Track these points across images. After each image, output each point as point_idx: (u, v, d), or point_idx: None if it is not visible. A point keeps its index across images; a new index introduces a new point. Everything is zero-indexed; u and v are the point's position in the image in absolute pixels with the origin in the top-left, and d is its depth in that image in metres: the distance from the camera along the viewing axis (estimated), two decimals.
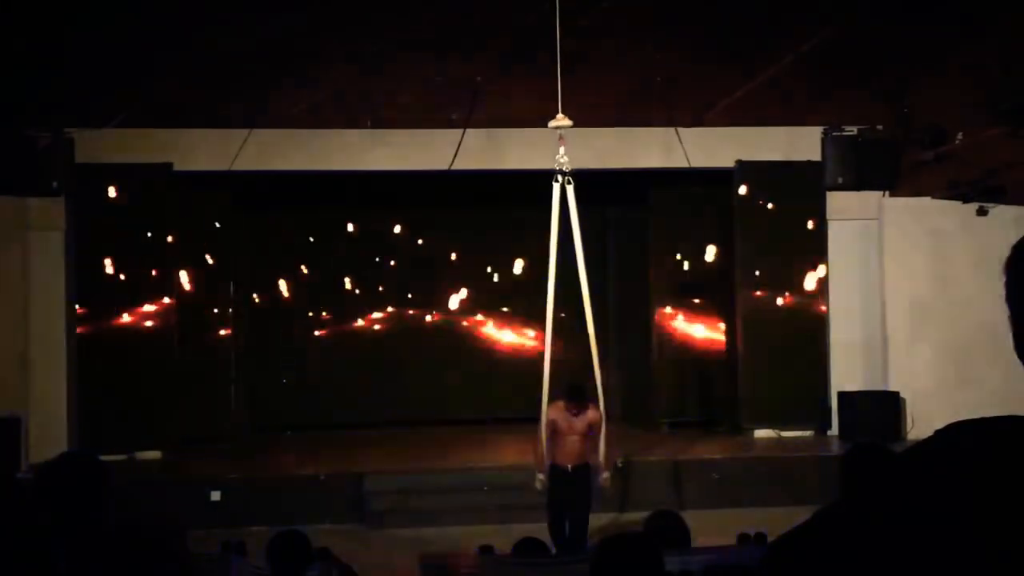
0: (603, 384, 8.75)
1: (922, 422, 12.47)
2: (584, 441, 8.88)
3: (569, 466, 8.90)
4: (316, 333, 15.17)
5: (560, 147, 7.83)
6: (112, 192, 12.34)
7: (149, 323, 12.43)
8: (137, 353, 12.36)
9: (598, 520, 9.63)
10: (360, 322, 15.34)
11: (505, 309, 15.37)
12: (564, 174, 7.87)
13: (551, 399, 8.73)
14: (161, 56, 9.76)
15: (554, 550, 8.81)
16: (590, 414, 8.85)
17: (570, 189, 7.89)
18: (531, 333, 15.11)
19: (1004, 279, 1.32)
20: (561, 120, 7.66)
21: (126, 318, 12.39)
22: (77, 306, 12.33)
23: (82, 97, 10.98)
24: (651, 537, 3.84)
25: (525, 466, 9.98)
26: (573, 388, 8.82)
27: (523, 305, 14.75)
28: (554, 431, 8.86)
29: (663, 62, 10.06)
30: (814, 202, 13.15)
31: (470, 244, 15.42)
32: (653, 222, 14.47)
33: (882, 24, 9.12)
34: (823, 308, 13.28)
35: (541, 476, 8.84)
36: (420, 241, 15.41)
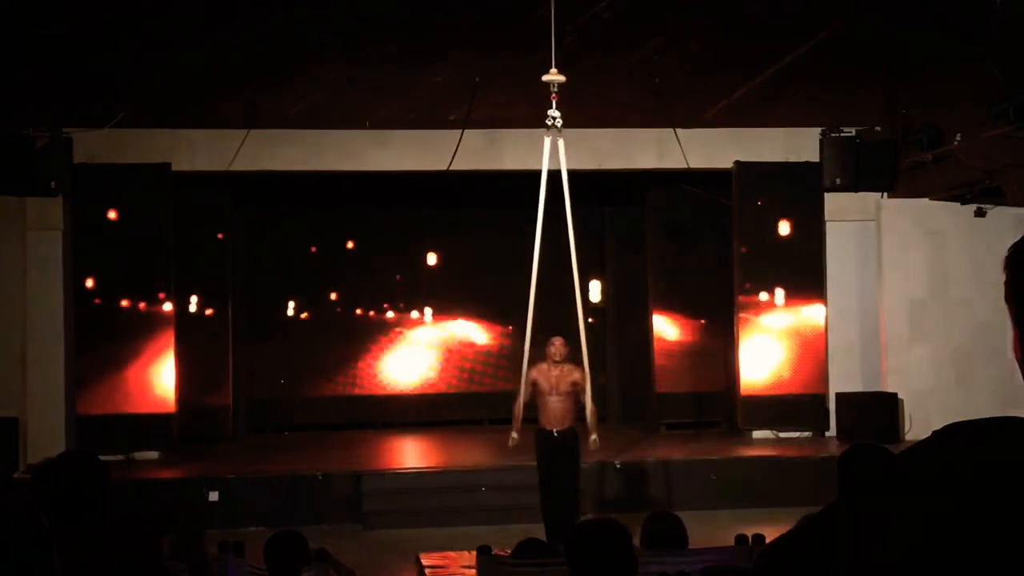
0: (588, 347, 8.75)
1: (920, 423, 12.47)
2: (568, 401, 8.97)
3: (555, 430, 8.97)
4: (315, 333, 15.15)
5: (553, 101, 7.79)
6: (110, 192, 12.32)
7: (147, 323, 12.41)
8: (135, 353, 12.35)
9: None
10: (359, 322, 15.32)
11: (503, 310, 15.34)
12: (556, 128, 7.82)
13: (532, 362, 8.84)
14: (160, 56, 9.76)
15: (545, 531, 8.88)
16: (574, 373, 8.93)
17: (561, 143, 7.81)
18: (529, 334, 15.07)
19: (1004, 278, 1.32)
20: (555, 75, 7.64)
21: (124, 318, 12.37)
22: (75, 306, 12.31)
23: (81, 97, 10.98)
24: (620, 524, 4.02)
25: (522, 467, 10.00)
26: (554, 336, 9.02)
27: (521, 306, 14.73)
28: (537, 392, 8.97)
29: (661, 63, 10.06)
30: (812, 203, 13.15)
31: (469, 245, 15.41)
32: (651, 223, 14.47)
33: (881, 25, 9.13)
34: (821, 309, 13.27)
35: (514, 435, 8.98)
36: (419, 242, 15.41)
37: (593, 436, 9.02)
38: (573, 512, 9.13)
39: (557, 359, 9.02)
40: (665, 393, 14.15)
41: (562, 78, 7.63)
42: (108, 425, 12.00)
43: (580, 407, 9.03)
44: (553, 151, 7.94)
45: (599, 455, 11.16)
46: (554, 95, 7.75)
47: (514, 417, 9.05)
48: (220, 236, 13.91)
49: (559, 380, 8.96)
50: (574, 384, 8.93)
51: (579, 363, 8.81)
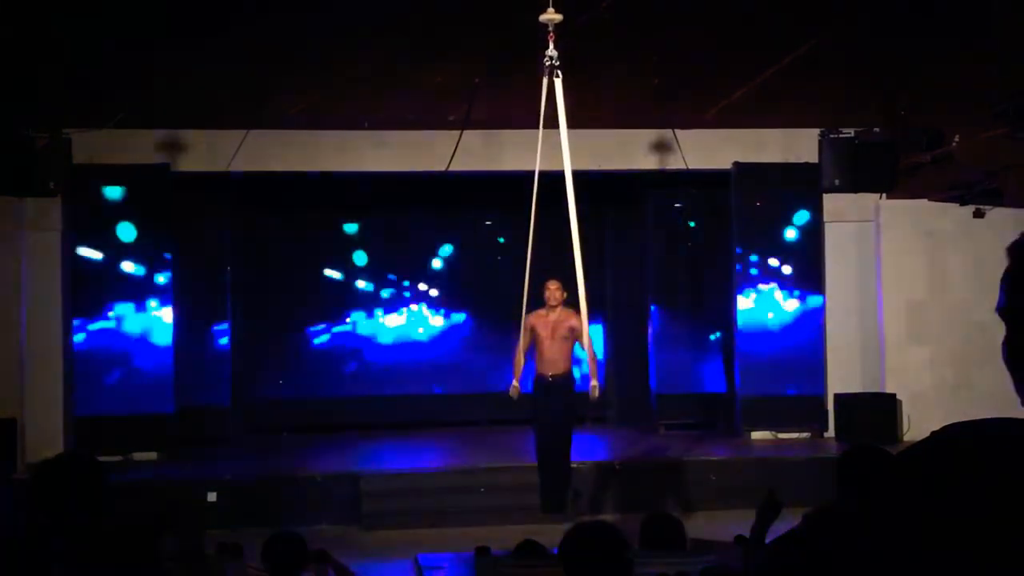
0: (587, 294, 8.19)
1: (918, 424, 12.48)
2: (565, 347, 8.97)
3: (550, 375, 8.98)
4: (313, 334, 15.16)
5: (550, 42, 7.76)
6: (109, 193, 12.32)
7: (146, 324, 12.41)
8: (133, 354, 12.35)
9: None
10: (358, 322, 15.32)
11: (504, 310, 15.33)
12: (554, 68, 7.73)
13: (530, 309, 8.87)
14: (159, 56, 9.75)
15: (540, 488, 8.92)
16: (572, 319, 8.90)
17: (559, 84, 7.67)
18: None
19: (1007, 262, 1.32)
20: (552, 14, 7.63)
21: (123, 319, 12.37)
22: (73, 307, 12.31)
23: (80, 97, 10.97)
24: (615, 527, 4.03)
25: (522, 467, 10.01)
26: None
27: (521, 306, 14.73)
28: (535, 339, 8.97)
29: (661, 63, 10.06)
30: (811, 204, 13.16)
31: (470, 245, 15.41)
32: (650, 224, 14.48)
33: (880, 26, 9.13)
34: (820, 310, 13.28)
35: (515, 383, 9.01)
36: (419, 242, 15.41)
37: (593, 383, 8.93)
38: (566, 464, 9.10)
39: (553, 303, 9.01)
40: (664, 394, 14.15)
41: (559, 17, 7.61)
42: (107, 426, 12.00)
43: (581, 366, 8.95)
44: (551, 93, 7.81)
45: (598, 454, 11.21)
46: (551, 35, 7.72)
47: (515, 366, 9.07)
48: (219, 237, 13.91)
49: (556, 325, 8.95)
50: (572, 330, 8.90)
51: (577, 309, 8.41)
